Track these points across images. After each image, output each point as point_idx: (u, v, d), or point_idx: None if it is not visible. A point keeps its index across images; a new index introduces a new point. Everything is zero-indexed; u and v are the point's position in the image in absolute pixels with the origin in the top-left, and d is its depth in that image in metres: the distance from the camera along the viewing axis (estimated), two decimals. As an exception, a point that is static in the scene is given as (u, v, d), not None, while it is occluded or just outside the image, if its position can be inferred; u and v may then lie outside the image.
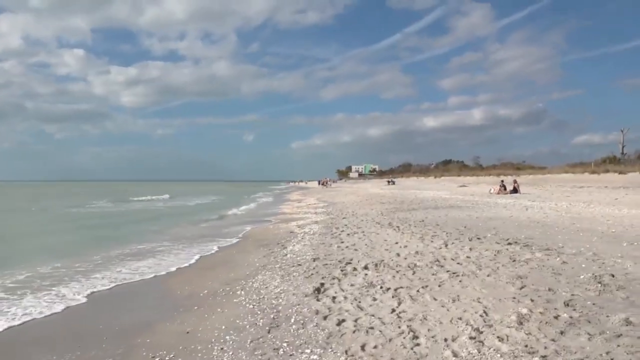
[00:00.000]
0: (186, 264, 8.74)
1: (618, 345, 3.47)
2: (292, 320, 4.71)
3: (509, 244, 8.03)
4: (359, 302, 5.15)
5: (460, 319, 4.32)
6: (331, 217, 16.14)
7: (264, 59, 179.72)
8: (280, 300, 5.43)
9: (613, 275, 5.44)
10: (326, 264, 7.28)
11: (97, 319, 5.42)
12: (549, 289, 5.02)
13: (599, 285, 5.07)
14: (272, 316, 4.89)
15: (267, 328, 4.56)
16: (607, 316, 4.08)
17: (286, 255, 8.56)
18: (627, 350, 3.37)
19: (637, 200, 17.35)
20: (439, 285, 5.53)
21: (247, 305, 5.40)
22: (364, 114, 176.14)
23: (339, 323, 4.51)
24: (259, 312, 5.07)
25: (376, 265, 6.94)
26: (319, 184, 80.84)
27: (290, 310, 5.03)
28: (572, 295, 4.78)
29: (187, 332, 4.72)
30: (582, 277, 5.47)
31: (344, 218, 15.06)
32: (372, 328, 4.31)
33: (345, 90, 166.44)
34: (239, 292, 6.05)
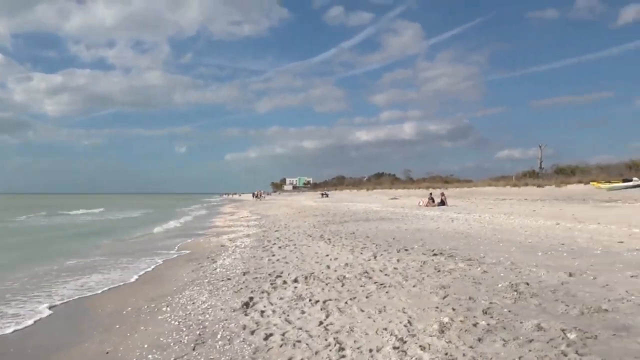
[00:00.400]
0: (111, 281, 8.37)
1: (529, 350, 3.66)
2: (219, 336, 4.61)
3: (435, 254, 8.31)
4: (288, 315, 5.13)
5: (385, 329, 4.40)
6: (263, 230, 16.04)
7: (197, 70, 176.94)
8: (207, 316, 5.31)
9: (528, 284, 5.74)
10: (256, 278, 7.21)
11: (5, 345, 5.07)
12: (470, 298, 5.23)
13: (515, 293, 5.34)
14: (198, 332, 4.77)
15: (192, 345, 4.44)
16: (521, 322, 4.29)
17: (216, 269, 8.40)
18: (537, 355, 3.56)
19: (552, 212, 18.48)
20: (367, 297, 5.62)
21: (172, 322, 5.24)
22: (299, 127, 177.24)
23: (267, 337, 4.47)
24: (184, 329, 4.93)
25: (306, 278, 6.96)
26: (253, 196, 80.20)
27: (217, 325, 4.93)
28: (491, 303, 5.00)
29: (107, 353, 4.51)
30: (500, 285, 5.74)
31: (276, 231, 15.00)
32: (299, 341, 4.30)
33: (280, 103, 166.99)
34: (164, 309, 5.86)
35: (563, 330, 4.03)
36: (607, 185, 31.26)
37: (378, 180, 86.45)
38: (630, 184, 30.20)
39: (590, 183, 33.27)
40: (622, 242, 9.06)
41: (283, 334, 4.53)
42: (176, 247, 12.93)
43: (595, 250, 8.13)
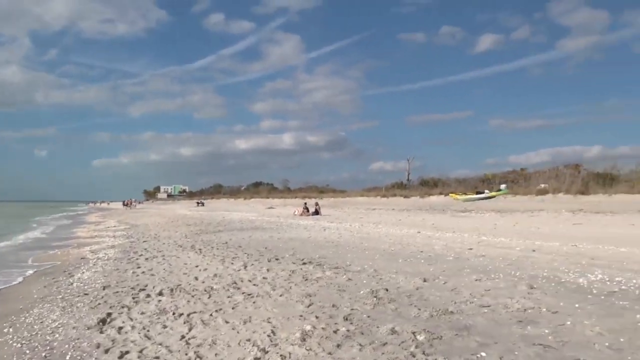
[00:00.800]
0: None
1: (382, 353, 3.87)
2: (68, 357, 4.26)
3: (304, 263, 8.47)
4: (148, 331, 4.89)
5: (248, 340, 4.38)
6: (131, 240, 15.19)
7: (64, 68, 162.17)
8: (57, 336, 4.88)
9: (387, 290, 6.08)
10: (117, 292, 6.79)
11: None
12: (333, 305, 5.40)
13: (375, 299, 5.63)
14: (44, 354, 4.36)
15: (35, 368, 4.04)
16: (378, 327, 4.52)
17: (72, 284, 7.76)
18: (389, 357, 3.78)
19: (415, 221, 19.81)
20: (233, 308, 5.55)
21: (14, 344, 4.73)
22: (176, 134, 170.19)
23: (122, 356, 4.22)
24: (28, 352, 4.47)
25: (172, 290, 6.70)
26: (124, 205, 75.76)
27: (67, 345, 4.55)
28: (352, 309, 5.21)
29: None
30: (362, 292, 6.01)
31: (144, 241, 14.29)
32: (157, 358, 4.12)
33: (156, 108, 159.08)
34: (6, 330, 5.28)
35: (414, 332, 4.31)
36: (463, 196, 34.27)
37: (256, 189, 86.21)
38: (482, 195, 33.44)
39: (450, 194, 36.21)
40: (471, 249, 9.97)
41: (141, 351, 4.31)
42: (29, 261, 11.75)
43: (448, 257, 8.85)
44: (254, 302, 5.75)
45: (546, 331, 4.23)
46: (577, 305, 5.05)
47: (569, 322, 4.46)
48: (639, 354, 3.66)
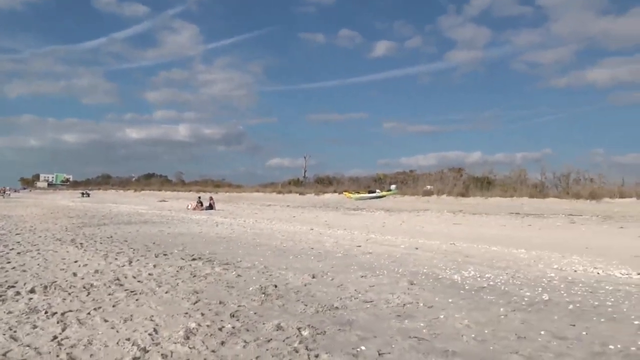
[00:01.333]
0: None
1: (267, 350, 3.89)
2: None
3: (193, 259, 8.28)
4: (14, 331, 4.49)
5: (128, 339, 4.19)
6: (1, 233, 13.86)
7: None
8: None
9: (276, 286, 6.13)
10: (-20, 290, 6.16)
11: None
12: (220, 302, 5.33)
13: (263, 295, 5.64)
14: None
15: None
16: (264, 324, 4.54)
17: None
18: (272, 353, 3.81)
19: (309, 218, 20.18)
20: (114, 306, 5.28)
21: None
22: (59, 119, 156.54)
23: (-19, 359, 3.84)
24: None
25: (46, 287, 6.22)
26: (-5, 193, 68.88)
27: None
28: (239, 306, 5.18)
29: None
30: (251, 289, 6.00)
31: (17, 234, 13.11)
32: (23, 361, 3.81)
33: (37, 90, 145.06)
34: None
35: (299, 328, 4.39)
36: (356, 195, 35.47)
37: (148, 181, 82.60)
38: (374, 195, 34.84)
39: (343, 193, 37.29)
40: (359, 246, 10.36)
41: (4, 354, 3.95)
42: None
43: (337, 254, 9.12)
44: (137, 300, 5.51)
45: (421, 324, 4.51)
46: (450, 300, 5.44)
47: (442, 316, 4.79)
48: (500, 343, 4.03)
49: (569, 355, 3.75)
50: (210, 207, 26.50)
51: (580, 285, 6.34)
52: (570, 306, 5.19)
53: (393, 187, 36.16)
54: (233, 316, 4.81)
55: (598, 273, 7.30)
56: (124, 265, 7.67)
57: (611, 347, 3.92)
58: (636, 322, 4.58)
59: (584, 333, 4.25)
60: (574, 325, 4.47)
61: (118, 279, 6.63)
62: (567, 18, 70.74)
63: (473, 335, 4.20)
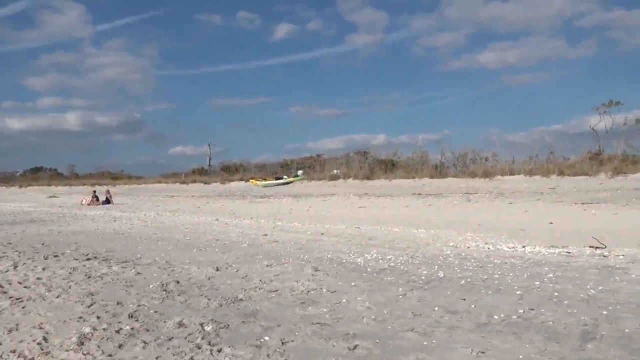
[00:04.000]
0: None
1: (168, 348, 3.85)
2: None
3: (88, 259, 7.90)
4: None
5: (13, 351, 3.94)
6: None
7: None
8: None
9: (178, 282, 6.04)
10: None
11: None
12: (118, 303, 5.16)
13: (164, 292, 5.54)
14: None
15: None
16: (165, 322, 4.47)
17: None
18: (174, 352, 3.77)
19: (214, 208, 19.91)
20: (-4, 316, 4.93)
21: None
22: None
23: None
24: None
25: None
26: None
27: None
28: (139, 306, 5.05)
29: None
30: (151, 286, 5.86)
31: None
32: None
33: None
34: None
35: (202, 324, 4.38)
36: (263, 182, 35.44)
37: (35, 175, 76.55)
38: (281, 181, 35.02)
39: (250, 180, 37.10)
40: (266, 234, 10.44)
41: None
42: None
43: (243, 244, 9.13)
44: (23, 307, 5.18)
45: (324, 310, 4.67)
46: (353, 284, 5.68)
47: (344, 300, 5.00)
48: (397, 322, 4.28)
49: (459, 328, 4.08)
50: (107, 201, 25.27)
51: (472, 260, 6.87)
52: (462, 281, 5.62)
53: (300, 172, 36.56)
54: (132, 317, 4.68)
55: (488, 248, 7.95)
56: (7, 271, 7.14)
57: (495, 317, 4.32)
58: (518, 292, 5.07)
59: (473, 306, 4.64)
60: (464, 300, 4.85)
61: (1, 286, 6.18)
62: (458, 2, 74.76)
63: (373, 317, 4.43)
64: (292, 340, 3.92)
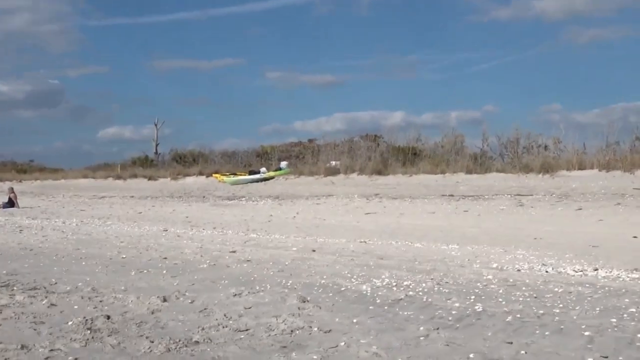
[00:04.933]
0: None
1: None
2: None
3: (-19, 285, 7.89)
4: None
5: None
6: None
7: None
8: None
9: (109, 317, 6.02)
10: None
11: None
12: (23, 347, 5.14)
13: (89, 332, 5.53)
14: None
15: None
16: (88, 373, 4.48)
17: None
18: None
19: (163, 214, 19.96)
20: None
21: None
22: None
23: None
24: None
25: None
26: None
27: None
28: (52, 351, 5.03)
29: None
30: (70, 323, 5.84)
31: None
32: None
33: None
34: None
35: (141, 376, 4.39)
36: (231, 178, 35.41)
37: None
38: (257, 176, 34.98)
39: (213, 175, 37.07)
40: (234, 251, 10.47)
41: None
42: None
43: (202, 264, 9.16)
44: None
45: (315, 357, 4.69)
46: (355, 320, 5.69)
47: (342, 343, 5.01)
48: (417, 374, 4.31)
49: (503, 383, 4.11)
50: (11, 203, 25.22)
51: (524, 289, 6.90)
52: (509, 317, 5.65)
53: (284, 164, 36.55)
54: (42, 366, 4.69)
55: (546, 271, 8.00)
56: None
57: (555, 367, 4.34)
58: (587, 333, 5.09)
59: (523, 352, 4.66)
60: (511, 343, 4.87)
61: None
62: None
63: (383, 366, 4.45)
64: (269, 400, 3.93)
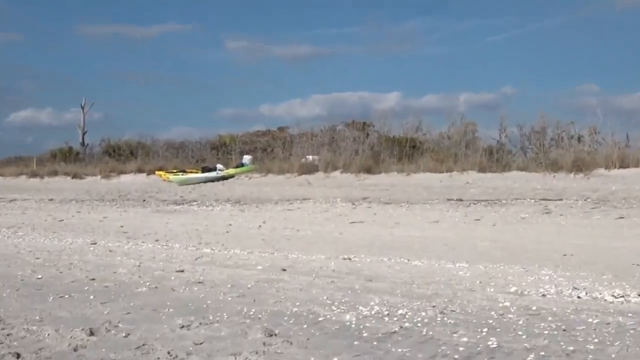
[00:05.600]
0: None
1: None
2: None
3: None
4: None
5: None
6: None
7: None
8: None
9: (18, 356, 5.96)
10: None
11: None
12: None
13: (-8, 375, 5.49)
14: None
15: None
16: None
17: None
18: None
19: (91, 223, 19.82)
20: None
21: None
22: None
23: None
24: None
25: None
26: None
27: None
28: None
29: None
30: (-32, 363, 5.80)
31: None
32: None
33: None
34: None
35: None
36: (180, 176, 35.24)
37: None
38: (213, 174, 34.87)
39: (157, 173, 36.87)
40: (182, 270, 10.43)
41: None
42: None
43: (140, 288, 9.10)
44: None
45: (283, 407, 4.68)
46: (335, 359, 5.69)
47: (319, 389, 5.01)
48: None
49: None
50: None
51: (550, 319, 6.93)
52: (531, 356, 5.67)
53: (247, 159, 36.43)
54: None
55: (579, 297, 8.02)
56: None
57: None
58: (629, 376, 5.13)
59: (548, 399, 4.69)
60: (533, 388, 4.90)
61: None
62: None
63: (370, 419, 4.45)
64: None
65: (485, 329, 6.57)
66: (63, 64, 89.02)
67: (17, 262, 11.80)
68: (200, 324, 7.01)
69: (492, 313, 7.25)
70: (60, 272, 10.54)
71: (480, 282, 9.09)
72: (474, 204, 21.11)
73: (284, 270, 10.40)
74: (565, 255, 11.41)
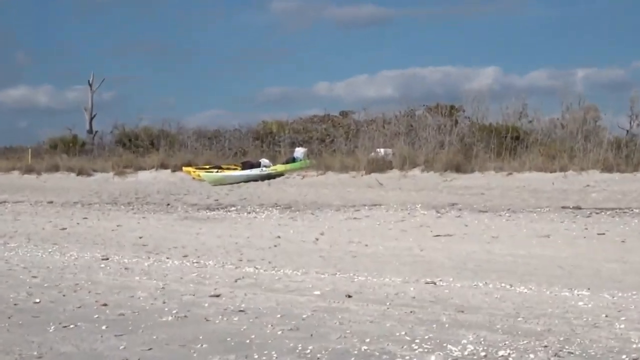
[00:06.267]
0: None
1: None
2: None
3: None
4: None
5: None
6: None
7: None
8: None
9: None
10: None
11: None
12: None
13: None
14: None
15: None
16: None
17: None
18: None
19: (100, 232, 20.03)
20: None
21: None
22: None
23: None
24: None
25: None
26: None
27: None
28: None
29: None
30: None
31: None
32: None
33: None
34: None
35: None
36: (214, 174, 35.30)
37: None
38: (255, 172, 34.88)
39: (184, 169, 37.02)
40: (218, 295, 10.46)
41: None
42: None
43: (165, 315, 9.15)
44: None
45: None
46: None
47: None
48: None
49: None
50: None
51: (700, 366, 6.80)
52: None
53: (300, 152, 36.43)
54: None
55: None
56: None
57: None
58: None
59: None
60: None
61: None
62: None
63: None
64: None
65: (614, 378, 6.48)
66: (65, 30, 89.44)
67: (8, 281, 11.90)
68: (242, 364, 7.03)
69: (624, 357, 7.14)
70: (64, 295, 10.61)
71: (606, 316, 8.96)
72: (597, 213, 20.88)
73: (349, 296, 10.36)
74: None
